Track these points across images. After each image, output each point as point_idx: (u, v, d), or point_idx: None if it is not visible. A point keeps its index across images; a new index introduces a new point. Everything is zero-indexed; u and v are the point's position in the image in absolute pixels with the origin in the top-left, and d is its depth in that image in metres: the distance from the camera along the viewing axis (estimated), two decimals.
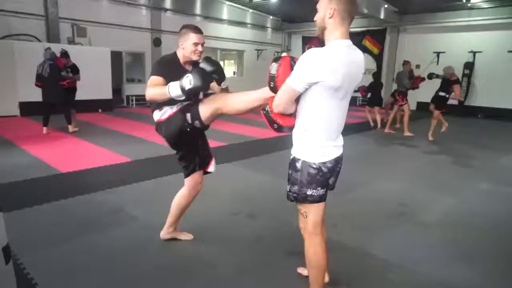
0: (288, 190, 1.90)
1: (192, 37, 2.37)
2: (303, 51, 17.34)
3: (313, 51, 1.66)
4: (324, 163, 1.80)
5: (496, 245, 2.97)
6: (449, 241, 3.00)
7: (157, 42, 12.70)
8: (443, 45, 13.42)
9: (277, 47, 17.56)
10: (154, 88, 2.18)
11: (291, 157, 1.88)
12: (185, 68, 2.41)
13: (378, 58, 15.26)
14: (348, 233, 3.04)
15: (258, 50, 16.51)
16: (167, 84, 2.14)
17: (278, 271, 2.46)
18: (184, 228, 2.89)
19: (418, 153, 6.56)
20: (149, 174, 4.51)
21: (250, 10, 15.42)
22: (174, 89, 2.05)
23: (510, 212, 3.78)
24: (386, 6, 12.87)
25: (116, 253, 2.63)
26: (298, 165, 1.82)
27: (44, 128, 6.79)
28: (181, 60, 2.44)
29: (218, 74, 2.31)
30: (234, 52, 17.01)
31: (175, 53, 2.46)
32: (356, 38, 15.64)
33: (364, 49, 15.69)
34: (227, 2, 14.28)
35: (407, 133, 8.22)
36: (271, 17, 16.64)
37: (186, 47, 2.39)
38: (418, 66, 14.25)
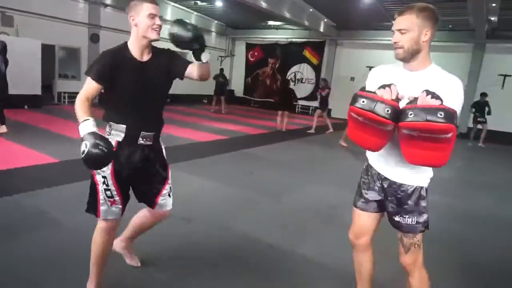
0: (416, 222, 1.74)
1: (146, 7, 1.86)
2: (246, 57, 17.79)
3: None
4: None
5: None
6: None
7: (94, 38, 12.10)
8: (375, 60, 14.48)
9: (221, 51, 17.65)
10: (80, 102, 1.75)
11: (413, 187, 1.72)
12: (140, 61, 1.91)
13: (317, 69, 16.07)
14: (278, 234, 3.19)
15: None
16: (110, 89, 1.79)
17: (209, 276, 2.52)
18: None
19: (357, 158, 7.03)
20: (79, 176, 4.31)
21: (195, 13, 15.35)
22: (81, 133, 1.60)
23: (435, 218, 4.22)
24: (325, 20, 13.63)
25: (36, 259, 2.50)
26: (424, 192, 1.75)
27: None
28: (135, 48, 1.92)
29: (197, 42, 1.83)
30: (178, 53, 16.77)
31: (125, 43, 1.95)
32: (297, 49, 16.36)
33: (304, 59, 16.48)
34: (172, 3, 14.07)
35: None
36: (216, 21, 16.71)
37: (140, 22, 1.88)
38: (352, 79, 15.29)
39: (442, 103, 1.39)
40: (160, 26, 1.91)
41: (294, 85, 16.57)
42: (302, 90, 16.37)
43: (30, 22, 10.25)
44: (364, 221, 1.95)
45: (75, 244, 2.68)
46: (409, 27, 1.60)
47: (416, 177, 1.72)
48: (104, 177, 1.90)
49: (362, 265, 2.03)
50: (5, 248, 2.59)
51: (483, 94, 10.24)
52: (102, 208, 1.93)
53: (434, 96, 1.41)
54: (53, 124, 7.68)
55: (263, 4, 10.08)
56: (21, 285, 2.20)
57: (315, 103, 16.11)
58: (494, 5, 8.90)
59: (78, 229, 2.94)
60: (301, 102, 16.43)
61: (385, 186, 1.80)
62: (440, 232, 3.42)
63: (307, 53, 16.21)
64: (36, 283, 2.23)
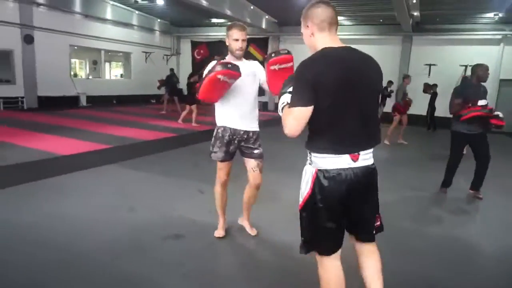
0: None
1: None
2: (192, 55, 17.73)
3: None
4: None
5: None
6: None
7: (28, 39, 11.49)
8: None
9: (166, 50, 17.49)
10: None
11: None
12: None
13: (263, 65, 16.45)
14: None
15: (146, 52, 16.21)
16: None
17: (152, 254, 2.72)
18: (62, 226, 2.92)
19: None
20: (19, 179, 4.26)
21: (136, 12, 15.09)
22: None
23: None
24: (267, 17, 14.05)
25: None
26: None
27: None
28: None
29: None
30: (121, 54, 16.37)
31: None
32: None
33: (250, 56, 16.80)
34: (111, 2, 13.73)
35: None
36: (159, 20, 16.52)
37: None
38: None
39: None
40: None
41: None
42: None
43: None
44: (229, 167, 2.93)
45: (20, 238, 2.76)
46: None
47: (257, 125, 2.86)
48: None
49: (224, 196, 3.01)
50: None
51: (389, 82, 11.43)
52: None
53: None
54: None
55: (204, 2, 10.23)
56: None
57: (263, 98, 16.61)
58: (414, 1, 9.81)
59: (24, 226, 3.00)
60: None
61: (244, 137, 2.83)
62: None
63: (252, 50, 16.55)
64: None
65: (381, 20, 13.20)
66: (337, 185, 1.59)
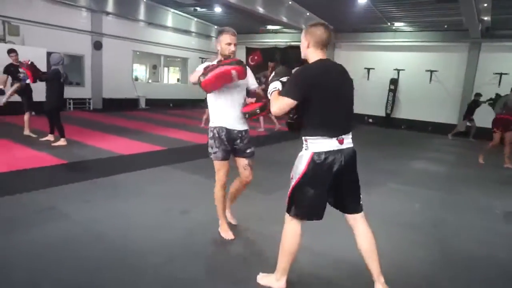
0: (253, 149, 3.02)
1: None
2: (246, 61, 17.96)
3: None
4: None
5: (387, 229, 3.53)
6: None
7: (97, 46, 12.43)
8: (372, 62, 14.74)
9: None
10: None
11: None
12: None
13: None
14: (270, 227, 3.41)
15: (202, 58, 16.76)
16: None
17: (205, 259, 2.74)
18: (118, 224, 3.06)
19: None
20: (83, 176, 4.56)
21: (195, 19, 15.68)
22: None
23: (404, 204, 4.43)
24: None
25: (45, 249, 2.74)
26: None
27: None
28: None
29: None
30: (179, 59, 17.09)
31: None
32: (297, 52, 16.52)
33: (303, 62, 16.65)
34: (172, 10, 14.39)
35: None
36: (215, 27, 17.01)
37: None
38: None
39: None
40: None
41: None
42: None
43: (35, 31, 10.59)
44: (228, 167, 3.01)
45: (79, 234, 2.93)
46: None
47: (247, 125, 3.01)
48: None
49: (224, 199, 3.07)
50: (18, 238, 2.84)
51: (477, 95, 11.02)
52: None
53: None
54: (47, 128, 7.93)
55: (260, 10, 10.35)
56: (36, 267, 2.44)
57: None
58: (485, 5, 9.10)
59: (80, 222, 3.20)
60: None
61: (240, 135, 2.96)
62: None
63: None
64: (47, 268, 2.47)
65: (446, 26, 12.44)
66: (327, 164, 2.11)
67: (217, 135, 2.89)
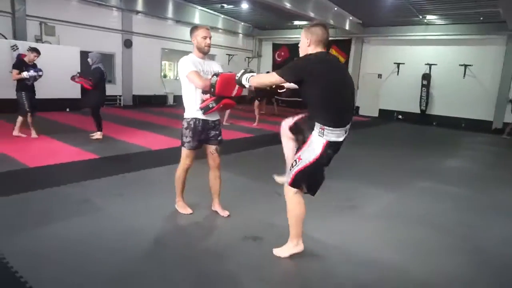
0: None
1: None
2: (273, 57, 17.92)
3: None
4: None
5: (422, 233, 3.43)
6: (384, 229, 3.44)
7: (128, 44, 12.76)
8: (402, 57, 14.31)
9: (248, 52, 17.97)
10: None
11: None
12: None
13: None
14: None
15: (229, 55, 16.85)
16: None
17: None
18: (145, 218, 3.14)
19: (365, 155, 7.10)
20: (116, 170, 4.71)
21: (222, 16, 15.76)
22: None
23: (436, 205, 4.29)
24: (351, 18, 13.60)
25: (79, 241, 2.86)
26: None
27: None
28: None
29: None
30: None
31: None
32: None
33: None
34: (199, 7, 14.54)
35: None
36: (242, 23, 17.04)
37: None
38: (380, 76, 15.11)
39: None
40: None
41: None
42: None
43: (69, 30, 11.01)
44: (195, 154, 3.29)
45: (112, 227, 3.04)
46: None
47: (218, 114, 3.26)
48: None
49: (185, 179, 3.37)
50: (54, 229, 2.98)
51: None
52: None
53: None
54: (92, 125, 8.23)
55: (287, 5, 10.28)
56: (69, 259, 2.55)
57: None
58: None
59: (114, 215, 3.31)
60: None
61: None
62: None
63: (333, 52, 16.14)
64: (79, 260, 2.58)
65: (481, 18, 11.87)
66: (333, 151, 2.47)
67: (192, 125, 3.14)
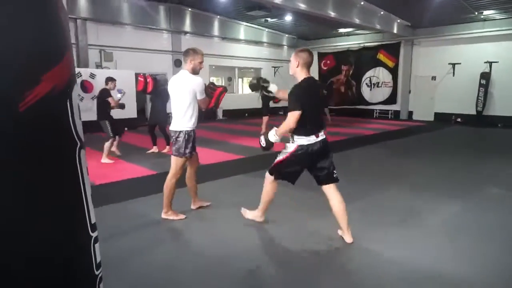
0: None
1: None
2: (319, 66, 17.76)
3: None
4: None
5: (491, 246, 3.16)
6: (448, 243, 3.22)
7: (177, 63, 13.38)
8: (458, 57, 13.51)
9: None
10: None
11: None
12: None
13: (393, 71, 15.45)
14: (361, 231, 3.31)
15: (274, 67, 17.02)
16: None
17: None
18: (199, 232, 3.23)
19: (423, 164, 6.72)
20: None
21: (266, 30, 16.02)
22: None
23: (507, 216, 3.93)
24: (398, 21, 13.16)
25: (142, 251, 3.00)
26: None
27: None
28: None
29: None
30: (252, 70, 17.57)
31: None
32: (371, 53, 15.92)
33: (379, 63, 15.94)
34: (244, 23, 14.92)
35: None
36: (286, 35, 17.18)
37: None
38: (434, 78, 14.37)
39: None
40: None
41: (370, 90, 16.19)
42: (379, 94, 15.89)
43: (125, 55, 11.82)
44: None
45: (172, 239, 3.16)
46: None
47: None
48: None
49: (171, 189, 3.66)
50: (119, 242, 3.17)
51: None
52: None
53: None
54: (148, 142, 8.68)
55: (332, 14, 10.20)
56: (130, 270, 2.69)
57: (395, 107, 15.50)
58: None
59: (173, 228, 3.44)
60: (378, 107, 15.97)
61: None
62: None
63: (381, 56, 15.72)
64: (143, 268, 2.71)
65: None
66: (306, 151, 3.00)
67: (192, 136, 3.58)
